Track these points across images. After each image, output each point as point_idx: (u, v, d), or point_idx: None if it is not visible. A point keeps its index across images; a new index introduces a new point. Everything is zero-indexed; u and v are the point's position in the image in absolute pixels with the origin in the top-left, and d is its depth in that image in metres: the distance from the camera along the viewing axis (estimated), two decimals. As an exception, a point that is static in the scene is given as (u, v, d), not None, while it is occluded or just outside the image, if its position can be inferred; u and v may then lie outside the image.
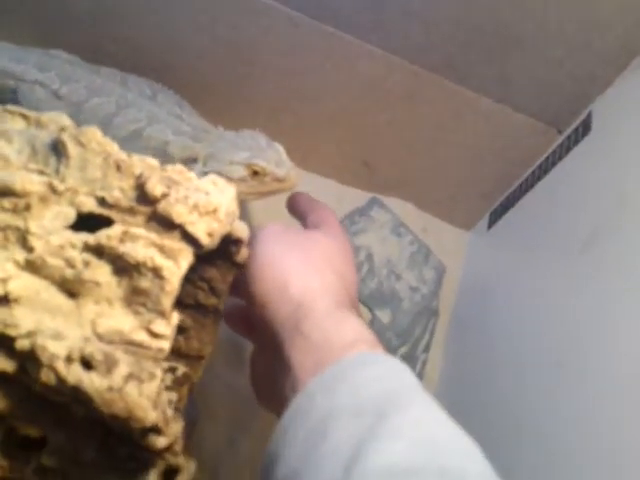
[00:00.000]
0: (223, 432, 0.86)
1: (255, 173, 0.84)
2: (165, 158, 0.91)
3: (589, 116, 0.87)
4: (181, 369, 0.69)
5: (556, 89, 0.90)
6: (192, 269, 0.68)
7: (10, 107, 0.58)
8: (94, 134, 0.53)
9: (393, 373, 0.51)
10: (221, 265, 0.67)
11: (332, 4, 0.88)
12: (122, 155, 0.53)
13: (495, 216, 1.07)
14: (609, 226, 0.72)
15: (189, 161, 0.88)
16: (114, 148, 0.53)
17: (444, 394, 0.98)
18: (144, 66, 0.98)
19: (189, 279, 0.68)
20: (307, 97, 1.03)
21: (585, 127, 0.88)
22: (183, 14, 0.95)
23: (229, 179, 0.85)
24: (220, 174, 0.85)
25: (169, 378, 0.69)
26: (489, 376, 0.89)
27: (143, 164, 0.53)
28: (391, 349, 0.97)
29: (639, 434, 0.58)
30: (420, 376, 1.00)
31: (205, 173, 0.86)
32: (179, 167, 0.55)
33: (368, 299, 0.99)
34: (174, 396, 0.69)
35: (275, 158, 0.85)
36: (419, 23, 0.87)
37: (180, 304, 0.69)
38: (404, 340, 0.99)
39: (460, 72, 0.92)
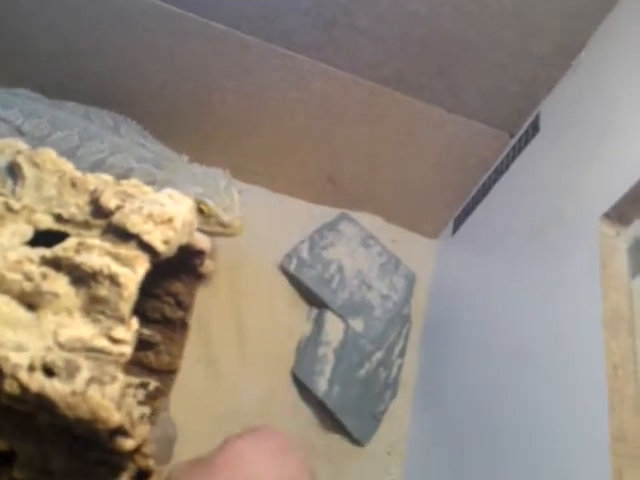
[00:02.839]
0: (202, 449, 0.87)
1: (201, 211, 0.87)
2: (130, 185, 0.93)
3: (537, 117, 0.91)
4: (153, 384, 0.71)
5: (504, 94, 0.93)
6: (157, 284, 0.70)
7: (-33, 136, 0.60)
8: (49, 155, 0.55)
9: None
10: (185, 278, 0.69)
11: (283, 26, 0.91)
12: (77, 173, 0.55)
13: (458, 222, 1.10)
14: (555, 215, 0.76)
15: (148, 184, 0.90)
16: (69, 167, 0.55)
17: (421, 397, 1.00)
18: (107, 99, 1.01)
19: (155, 294, 0.70)
20: (267, 118, 1.06)
21: (534, 128, 0.91)
22: (142, 48, 0.98)
23: None
24: None
25: (141, 393, 0.70)
26: (463, 374, 0.90)
27: (98, 180, 0.55)
28: (366, 355, 0.98)
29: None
30: (396, 380, 1.01)
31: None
32: (134, 181, 0.57)
33: (341, 309, 1.01)
34: (148, 410, 0.70)
35: (226, 203, 0.88)
36: (368, 40, 0.91)
37: (147, 319, 0.71)
38: (378, 346, 1.00)
39: (412, 85, 0.95)
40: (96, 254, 0.49)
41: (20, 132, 0.95)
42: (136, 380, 0.68)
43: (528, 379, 0.72)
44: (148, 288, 0.56)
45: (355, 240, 1.11)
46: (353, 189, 1.16)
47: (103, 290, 0.49)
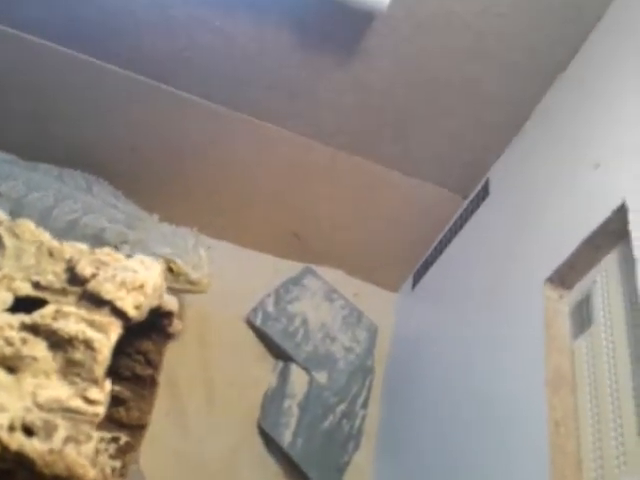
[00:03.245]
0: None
1: (171, 270, 0.92)
2: (102, 244, 0.97)
3: (487, 182, 0.98)
4: (123, 438, 0.74)
5: (456, 160, 1.00)
6: (128, 343, 0.74)
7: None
8: (27, 226, 0.60)
9: None
10: (155, 338, 0.73)
11: (249, 97, 0.98)
12: (54, 242, 0.60)
13: (417, 276, 1.16)
14: (504, 278, 0.82)
15: (120, 243, 0.95)
16: (46, 237, 0.60)
17: (384, 447, 1.04)
18: (80, 161, 1.05)
19: (126, 352, 0.74)
20: (235, 178, 1.12)
21: (484, 191, 0.98)
22: (114, 113, 1.04)
23: None
24: None
25: (112, 447, 0.73)
26: (423, 423, 0.94)
27: (73, 249, 0.60)
28: (330, 407, 1.02)
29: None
30: (360, 431, 1.05)
31: (129, 255, 0.93)
32: (108, 250, 0.62)
33: (305, 362, 1.05)
34: (119, 464, 0.73)
35: (195, 261, 0.94)
36: (328, 110, 0.97)
37: (118, 376, 0.74)
38: (342, 398, 1.04)
39: (369, 150, 1.02)
40: (72, 321, 0.54)
41: (-3, 194, 0.99)
42: (108, 435, 0.71)
43: (480, 428, 0.77)
44: (120, 347, 0.60)
45: (319, 294, 1.16)
46: (316, 244, 1.22)
47: (79, 354, 0.53)
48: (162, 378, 0.79)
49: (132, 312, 0.57)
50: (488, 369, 0.81)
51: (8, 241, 0.59)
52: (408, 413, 1.02)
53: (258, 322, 1.08)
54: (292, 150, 1.04)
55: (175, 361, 0.98)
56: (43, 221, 0.98)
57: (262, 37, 0.90)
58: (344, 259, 1.24)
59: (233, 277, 1.16)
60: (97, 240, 0.97)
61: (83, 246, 0.61)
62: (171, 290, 0.95)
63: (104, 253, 0.61)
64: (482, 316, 0.86)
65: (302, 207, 1.15)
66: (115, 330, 0.55)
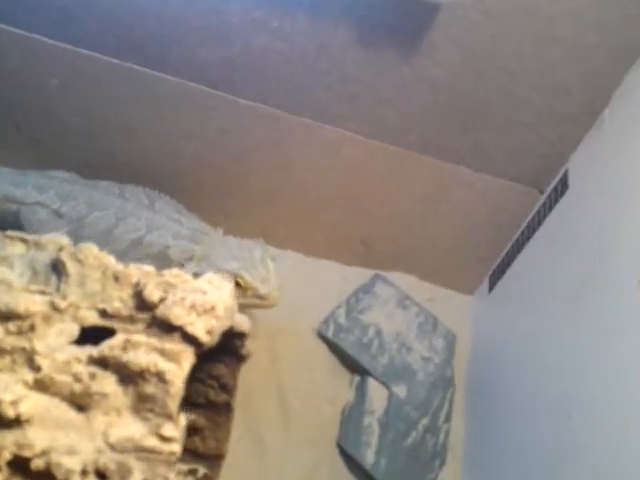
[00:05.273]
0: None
1: (239, 285, 0.88)
2: (167, 261, 0.94)
3: (565, 174, 0.91)
4: (201, 470, 0.70)
5: (530, 153, 0.93)
6: (200, 368, 0.70)
7: (10, 233, 0.61)
8: (91, 250, 0.56)
9: None
10: (228, 361, 0.69)
11: (308, 100, 0.93)
12: (119, 266, 0.56)
13: (494, 278, 1.09)
14: (593, 279, 0.75)
15: (186, 259, 0.92)
16: (111, 261, 0.56)
17: (471, 462, 0.97)
18: (139, 176, 1.03)
19: (198, 378, 0.70)
20: (297, 185, 1.07)
21: (563, 185, 0.91)
22: (171, 125, 1.01)
23: None
24: None
25: (190, 480, 0.70)
26: (511, 436, 0.88)
27: (140, 272, 0.56)
28: (412, 423, 0.96)
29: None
30: (444, 447, 0.99)
31: (196, 274, 0.90)
32: (175, 271, 0.58)
33: (382, 375, 0.99)
34: (197, 498, 0.69)
35: (262, 275, 0.89)
36: (392, 108, 0.92)
37: (192, 404, 0.71)
38: (424, 412, 0.98)
39: (437, 147, 0.96)
40: (142, 351, 0.50)
41: (58, 215, 0.97)
42: (184, 467, 0.68)
43: (578, 439, 0.70)
44: (191, 372, 0.56)
45: (391, 302, 1.10)
46: (386, 249, 1.16)
47: (150, 388, 0.49)
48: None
49: (204, 337, 0.52)
50: (583, 378, 0.74)
51: (72, 267, 0.56)
52: (494, 425, 0.96)
53: (330, 335, 1.03)
54: (356, 152, 0.99)
55: (247, 382, 0.94)
56: (105, 241, 0.96)
57: (320, 36, 0.85)
58: (415, 263, 1.18)
59: (300, 287, 1.11)
60: (162, 258, 0.94)
61: (149, 267, 0.58)
62: (241, 307, 0.92)
63: (172, 274, 0.57)
64: (570, 320, 0.79)
65: (369, 211, 1.10)
66: (187, 359, 0.51)
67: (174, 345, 0.51)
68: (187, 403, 0.70)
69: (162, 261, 0.95)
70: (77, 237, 0.98)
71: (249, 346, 0.66)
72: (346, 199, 1.09)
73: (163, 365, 0.49)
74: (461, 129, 0.93)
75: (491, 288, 1.10)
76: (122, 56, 0.91)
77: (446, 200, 1.04)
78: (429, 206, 1.06)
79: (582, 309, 0.76)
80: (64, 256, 0.56)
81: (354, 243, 1.16)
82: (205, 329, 0.53)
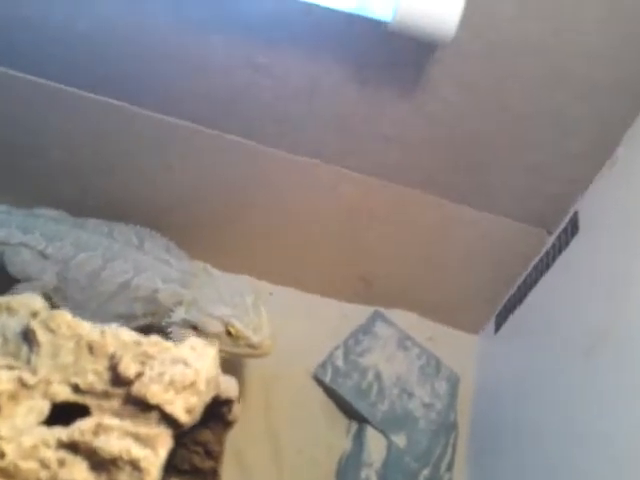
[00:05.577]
0: None
1: (230, 333, 0.84)
2: (155, 304, 0.91)
3: (575, 215, 0.87)
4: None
5: (538, 192, 0.89)
6: (185, 433, 0.66)
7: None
8: (64, 317, 0.53)
9: None
10: (214, 426, 0.65)
11: (305, 138, 0.90)
12: (94, 335, 0.52)
13: (500, 319, 1.05)
14: (608, 332, 0.70)
15: (174, 304, 0.88)
16: (85, 329, 0.52)
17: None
18: (128, 214, 1.00)
19: (183, 444, 0.66)
20: (296, 223, 1.04)
21: (573, 226, 0.87)
22: (157, 162, 0.98)
23: (204, 332, 0.85)
24: (197, 325, 0.86)
25: None
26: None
27: (117, 342, 0.52)
28: (411, 474, 0.92)
29: None
30: (447, 498, 0.94)
31: (185, 320, 0.86)
32: (154, 339, 0.54)
33: (382, 423, 0.95)
34: None
35: (255, 323, 0.85)
36: (395, 146, 0.88)
37: (176, 470, 0.66)
38: (425, 463, 0.94)
39: (439, 186, 0.92)
40: (115, 436, 0.46)
41: (44, 256, 0.94)
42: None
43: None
44: (175, 437, 0.52)
45: (392, 343, 1.06)
46: (386, 287, 1.12)
47: (124, 476, 0.45)
48: (227, 451, 0.71)
49: (183, 417, 0.49)
50: (594, 431, 0.69)
51: (43, 337, 0.52)
52: (497, 472, 0.91)
53: (327, 380, 0.99)
54: (355, 190, 0.96)
55: (240, 430, 0.90)
56: (92, 283, 0.92)
57: (315, 73, 0.81)
58: (417, 300, 1.13)
59: (297, 325, 1.08)
60: (150, 302, 0.90)
61: (128, 336, 0.54)
62: (232, 356, 0.87)
63: (150, 343, 0.53)
64: (583, 374, 0.74)
65: (368, 248, 1.06)
66: (164, 444, 0.47)
67: (149, 429, 0.47)
68: (172, 469, 0.65)
69: (151, 304, 0.91)
70: (63, 279, 0.94)
71: (236, 411, 0.61)
72: (345, 236, 1.05)
73: (137, 452, 0.45)
74: (467, 168, 0.89)
75: (497, 329, 1.05)
76: (101, 91, 0.89)
77: (448, 238, 1.00)
78: (431, 245, 1.02)
79: (597, 364, 0.72)
80: (35, 325, 0.53)
81: (353, 280, 1.12)
82: (185, 408, 0.49)
